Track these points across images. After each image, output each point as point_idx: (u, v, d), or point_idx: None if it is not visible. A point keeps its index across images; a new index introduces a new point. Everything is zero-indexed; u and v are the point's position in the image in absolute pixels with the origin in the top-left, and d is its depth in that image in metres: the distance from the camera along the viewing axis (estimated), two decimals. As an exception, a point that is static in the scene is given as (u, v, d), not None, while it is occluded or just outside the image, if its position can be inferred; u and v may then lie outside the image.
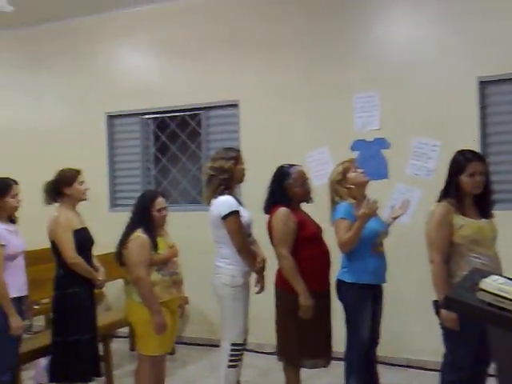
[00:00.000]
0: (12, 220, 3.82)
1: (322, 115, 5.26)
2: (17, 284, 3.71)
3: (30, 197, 3.96)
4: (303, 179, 3.72)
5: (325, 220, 3.71)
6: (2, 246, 3.61)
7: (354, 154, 4.91)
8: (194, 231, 5.39)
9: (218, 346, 5.20)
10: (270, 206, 3.70)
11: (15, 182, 3.77)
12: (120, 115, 6.21)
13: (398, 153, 4.94)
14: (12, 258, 3.69)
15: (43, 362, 4.68)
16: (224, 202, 3.66)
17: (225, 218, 3.63)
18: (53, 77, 6.51)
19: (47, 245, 3.94)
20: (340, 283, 3.66)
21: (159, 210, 3.72)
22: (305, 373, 3.82)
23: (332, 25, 5.22)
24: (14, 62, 6.71)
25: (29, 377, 4.67)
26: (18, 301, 3.71)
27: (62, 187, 3.85)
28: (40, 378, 4.75)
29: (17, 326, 3.63)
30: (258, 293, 3.87)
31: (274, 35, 5.43)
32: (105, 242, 4.11)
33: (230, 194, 3.72)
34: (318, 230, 3.73)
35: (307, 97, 5.32)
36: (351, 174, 3.71)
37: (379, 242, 3.68)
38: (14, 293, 3.67)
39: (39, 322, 5.89)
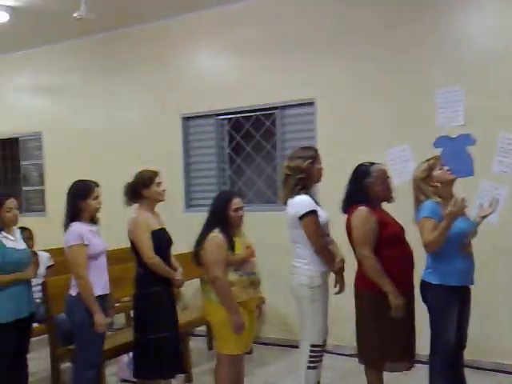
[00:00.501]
0: (94, 221, 3.96)
1: (402, 111, 5.14)
2: (100, 282, 3.85)
3: (110, 198, 4.09)
4: (384, 178, 3.64)
5: (406, 220, 3.62)
6: (86, 245, 3.76)
7: (437, 151, 4.77)
8: (269, 231, 5.42)
9: (295, 346, 5.23)
10: (348, 206, 3.65)
11: (96, 184, 3.91)
12: (195, 116, 6.34)
13: (483, 149, 4.76)
14: (95, 257, 3.83)
15: (125, 358, 4.85)
16: (301, 202, 3.66)
17: (302, 217, 3.63)
18: (129, 80, 6.73)
19: (127, 244, 4.06)
20: (425, 284, 3.57)
21: (235, 210, 3.76)
22: (387, 376, 3.75)
23: (411, 18, 5.09)
24: (92, 68, 6.99)
25: (111, 373, 4.84)
26: (102, 299, 3.85)
27: (140, 189, 3.94)
28: (122, 374, 4.92)
29: (101, 323, 3.76)
30: (338, 293, 3.84)
31: (351, 31, 5.36)
32: (180, 242, 4.19)
33: (306, 193, 3.71)
34: (401, 230, 3.65)
35: (386, 93, 5.22)
36: (437, 172, 3.59)
37: (467, 242, 3.55)
38: (98, 291, 3.81)
39: (120, 319, 6.10)
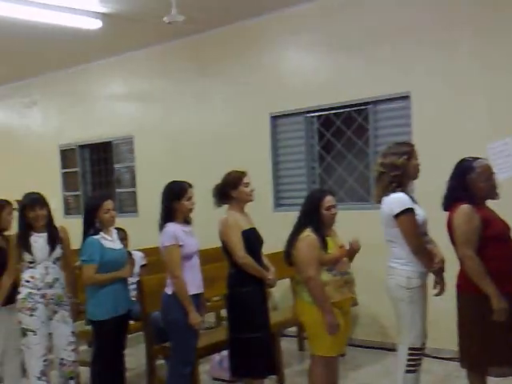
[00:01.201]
0: (187, 221, 4.07)
1: (503, 103, 4.93)
2: (195, 282, 3.96)
3: (200, 198, 4.17)
4: (489, 173, 3.50)
5: (511, 217, 3.47)
6: (180, 246, 3.87)
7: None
8: (362, 230, 5.33)
9: (390, 349, 5.15)
10: (450, 203, 3.53)
11: (190, 185, 4.02)
12: (284, 115, 6.36)
13: None
14: (189, 257, 3.95)
15: (217, 357, 4.95)
16: (396, 200, 3.58)
17: (398, 216, 3.55)
18: (218, 81, 6.85)
19: (217, 244, 4.14)
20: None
21: (328, 208, 3.74)
22: (491, 382, 3.62)
23: (509, 7, 4.86)
24: (182, 70, 7.17)
25: (203, 371, 4.95)
26: (196, 298, 3.96)
27: (228, 190, 3.99)
28: (214, 373, 5.03)
29: (196, 321, 3.87)
30: (437, 295, 3.73)
31: (447, 22, 5.19)
32: (269, 242, 4.22)
33: (402, 191, 3.62)
34: (506, 228, 3.50)
35: (485, 84, 5.01)
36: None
37: None
38: (193, 290, 3.92)
39: (210, 318, 6.23)
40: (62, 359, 4.26)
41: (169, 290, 3.93)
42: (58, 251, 4.21)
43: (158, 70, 7.43)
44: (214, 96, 6.91)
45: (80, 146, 8.47)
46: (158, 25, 5.93)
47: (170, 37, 6.90)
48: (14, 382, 4.62)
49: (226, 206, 4.06)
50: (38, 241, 4.15)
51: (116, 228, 4.49)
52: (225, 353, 4.62)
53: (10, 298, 4.31)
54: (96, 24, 6.05)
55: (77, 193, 8.66)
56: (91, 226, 4.22)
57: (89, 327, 4.71)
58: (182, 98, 7.21)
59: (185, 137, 7.18)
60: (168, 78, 7.33)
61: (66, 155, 8.70)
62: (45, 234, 4.18)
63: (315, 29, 6.04)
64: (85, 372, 4.83)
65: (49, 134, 8.82)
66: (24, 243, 4.14)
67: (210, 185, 4.07)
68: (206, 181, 4.26)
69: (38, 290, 4.14)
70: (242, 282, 3.94)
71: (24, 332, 4.15)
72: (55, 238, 4.22)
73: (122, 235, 5.44)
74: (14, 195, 4.70)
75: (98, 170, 8.57)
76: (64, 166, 8.74)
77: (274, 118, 6.43)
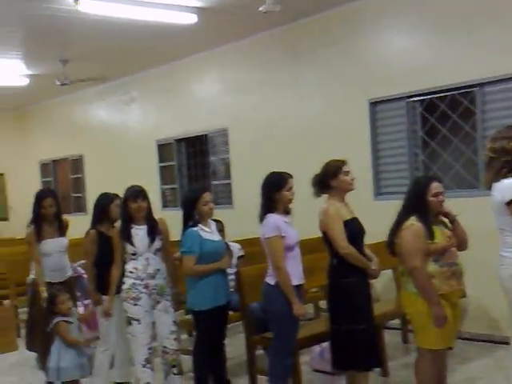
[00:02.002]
0: (287, 211, 4.08)
1: None
2: (296, 273, 3.97)
3: (298, 188, 4.17)
4: None
5: None
6: (283, 237, 3.90)
7: None
8: (470, 218, 5.12)
9: (501, 342, 4.94)
10: None
11: (290, 176, 4.02)
12: (383, 101, 6.24)
13: None
14: (290, 248, 3.96)
15: (318, 348, 4.96)
16: (508, 186, 3.43)
17: (509, 203, 3.40)
18: (314, 69, 6.83)
19: (316, 234, 4.12)
20: None
21: (435, 195, 3.63)
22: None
23: None
24: (276, 60, 7.20)
25: (303, 362, 4.97)
26: (297, 289, 3.97)
27: (328, 179, 3.94)
28: (314, 364, 5.04)
29: (300, 312, 3.88)
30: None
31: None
32: (370, 232, 4.13)
33: (515, 176, 3.46)
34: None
35: None
36: None
37: None
38: (295, 281, 3.93)
39: (309, 309, 6.23)
40: (165, 347, 4.43)
41: (271, 280, 3.97)
42: (157, 243, 4.37)
43: (252, 61, 7.51)
44: (309, 84, 6.89)
45: (176, 140, 8.73)
46: (252, 16, 6.00)
47: (264, 27, 6.95)
48: (124, 368, 4.87)
49: (325, 196, 4.03)
50: (139, 233, 4.33)
51: (213, 220, 4.59)
52: (325, 344, 4.61)
53: (119, 288, 4.54)
54: (191, 19, 6.18)
55: (173, 186, 8.94)
56: (190, 218, 4.35)
57: (189, 317, 4.87)
58: (277, 88, 7.24)
59: (279, 127, 7.21)
60: (262, 69, 7.39)
61: (163, 149, 9.00)
62: (145, 227, 4.35)
63: (415, 9, 5.86)
64: (187, 360, 5.01)
65: (147, 129, 9.17)
66: (126, 235, 4.32)
67: (306, 174, 4.06)
68: (302, 170, 4.26)
69: (141, 280, 4.32)
70: (344, 273, 3.89)
71: (129, 321, 4.35)
72: (155, 229, 4.38)
73: (220, 227, 5.53)
74: (115, 189, 4.94)
75: (193, 163, 8.80)
76: (161, 160, 9.05)
77: (373, 104, 6.31)
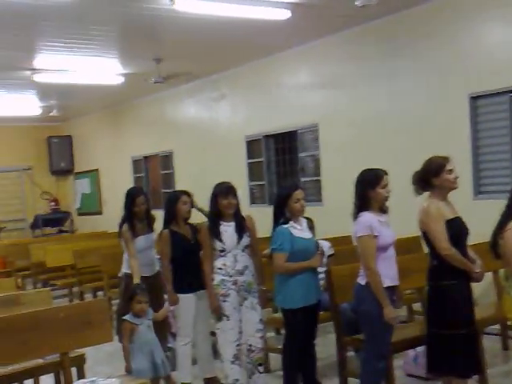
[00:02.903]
0: (383, 210, 4.01)
1: None
2: (389, 274, 3.89)
3: (393, 186, 4.08)
4: None
5: None
6: (375, 236, 3.83)
7: None
8: None
9: None
10: None
11: (385, 173, 3.94)
12: (485, 95, 5.99)
13: None
14: (384, 248, 3.88)
15: (412, 353, 4.84)
16: None
17: None
18: (410, 63, 6.66)
19: (412, 234, 4.01)
20: None
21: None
22: None
23: None
24: (371, 54, 7.08)
25: (397, 366, 4.87)
26: (391, 290, 3.90)
27: (429, 177, 3.83)
28: (408, 369, 4.93)
29: (391, 315, 3.81)
30: None
31: None
32: (470, 232, 3.99)
33: None
34: None
35: None
36: None
37: None
38: (387, 282, 3.85)
39: (403, 312, 6.11)
40: (250, 345, 4.48)
41: (362, 281, 3.92)
42: (245, 239, 4.42)
43: (346, 56, 7.42)
44: (405, 78, 6.73)
45: (265, 136, 8.79)
46: (347, 10, 5.94)
47: (358, 21, 6.85)
48: (206, 364, 4.96)
49: (425, 194, 3.93)
50: (228, 230, 4.40)
51: (304, 217, 4.59)
52: (420, 349, 4.50)
53: (203, 285, 4.64)
54: (285, 14, 6.19)
55: (261, 182, 9.01)
56: (281, 216, 4.36)
57: (277, 315, 4.88)
58: (371, 83, 7.12)
59: (373, 122, 7.09)
60: (356, 63, 7.29)
61: (252, 146, 9.09)
62: (233, 223, 4.41)
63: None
64: (274, 358, 5.05)
65: (236, 125, 9.29)
66: (215, 232, 4.40)
67: (402, 171, 3.98)
68: (398, 167, 4.18)
69: (230, 276, 4.38)
70: (445, 275, 3.77)
71: (219, 317, 4.44)
72: (243, 226, 4.44)
73: (310, 224, 5.54)
74: (203, 185, 5.04)
75: (282, 159, 8.82)
76: (249, 157, 9.14)
77: (474, 99, 6.07)
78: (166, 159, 10.98)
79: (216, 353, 4.79)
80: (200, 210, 5.20)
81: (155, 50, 7.65)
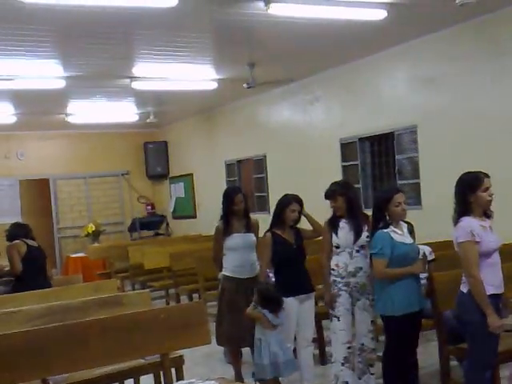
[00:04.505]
0: (487, 214, 3.92)
1: None
2: (494, 281, 3.83)
3: (502, 189, 3.98)
4: None
5: None
6: (477, 242, 3.75)
7: None
8: None
9: None
10: None
11: (486, 175, 3.86)
12: None
13: None
14: (487, 254, 3.82)
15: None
16: None
17: None
18: (512, 62, 6.45)
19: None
20: None
21: None
22: None
23: None
24: (474, 53, 6.90)
25: (504, 376, 4.73)
26: (495, 298, 3.81)
27: None
28: (512, 381, 4.76)
29: (495, 324, 3.73)
30: None
31: None
32: None
33: None
34: None
35: None
36: None
37: None
38: (491, 290, 3.79)
39: (509, 320, 5.89)
40: (363, 345, 4.55)
41: (464, 288, 3.87)
42: (363, 239, 4.46)
43: (446, 55, 7.27)
44: (509, 77, 6.51)
45: (360, 138, 8.75)
46: (445, 8, 5.82)
47: (458, 19, 6.71)
48: (307, 371, 4.98)
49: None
50: (345, 226, 4.47)
51: (403, 221, 4.56)
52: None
53: (305, 289, 4.70)
54: (381, 15, 6.16)
55: (357, 185, 8.95)
56: (381, 219, 4.36)
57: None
58: (474, 82, 6.94)
59: (477, 123, 6.89)
60: (455, 62, 7.13)
61: (346, 148, 9.06)
62: (351, 222, 4.52)
63: None
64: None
65: (329, 128, 9.31)
66: (334, 225, 4.57)
67: (506, 174, 3.86)
68: (501, 170, 4.07)
69: (342, 278, 4.46)
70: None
71: (330, 317, 4.52)
72: (359, 225, 4.48)
73: (410, 229, 5.49)
74: (296, 188, 5.08)
75: (377, 162, 8.75)
76: (344, 160, 9.12)
77: None
78: (259, 163, 11.15)
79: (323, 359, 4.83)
80: (307, 216, 5.09)
81: (249, 54, 7.82)
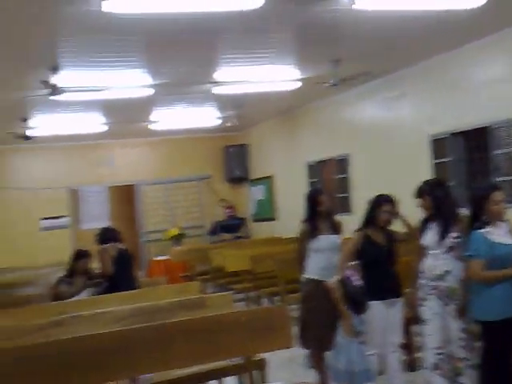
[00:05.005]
0: None
1: None
2: None
3: None
4: None
5: None
6: None
7: None
8: None
9: None
10: None
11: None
12: None
13: None
14: None
15: None
16: None
17: None
18: None
19: None
20: None
21: None
22: None
23: None
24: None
25: None
26: None
27: None
28: None
29: None
30: None
31: None
32: None
33: None
34: None
35: None
36: None
37: None
38: None
39: None
40: (451, 352, 4.34)
41: None
42: (450, 240, 4.30)
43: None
44: None
45: (452, 133, 8.42)
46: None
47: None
48: (394, 377, 4.86)
49: None
50: (433, 227, 4.34)
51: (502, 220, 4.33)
52: None
53: (394, 292, 4.57)
54: (479, 2, 5.86)
55: (449, 183, 8.60)
56: (477, 219, 4.16)
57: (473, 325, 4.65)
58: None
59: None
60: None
61: (437, 144, 8.74)
62: (436, 222, 4.41)
63: None
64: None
65: (418, 124, 9.01)
66: (423, 228, 4.52)
67: None
68: None
69: (429, 281, 4.31)
70: None
71: (419, 322, 4.39)
72: (445, 225, 4.34)
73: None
74: (382, 188, 4.95)
75: (471, 157, 8.40)
76: (435, 156, 8.80)
77: None
78: (342, 163, 10.98)
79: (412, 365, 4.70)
80: (401, 218, 4.93)
81: (333, 51, 7.69)
